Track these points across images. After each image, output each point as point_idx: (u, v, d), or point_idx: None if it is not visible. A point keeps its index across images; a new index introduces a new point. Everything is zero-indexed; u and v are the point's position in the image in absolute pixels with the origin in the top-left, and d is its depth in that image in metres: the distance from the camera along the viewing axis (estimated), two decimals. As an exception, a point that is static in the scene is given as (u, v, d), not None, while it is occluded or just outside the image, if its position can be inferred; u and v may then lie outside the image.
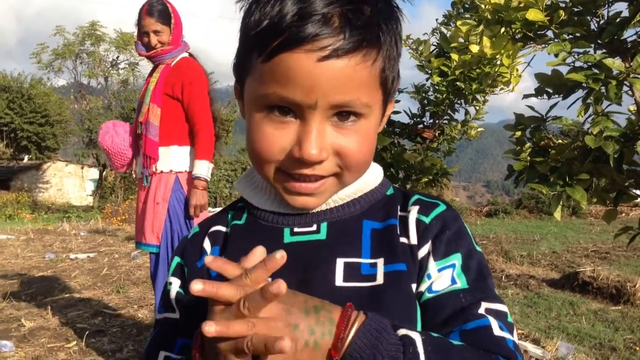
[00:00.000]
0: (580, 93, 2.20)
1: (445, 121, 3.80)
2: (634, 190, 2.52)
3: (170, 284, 0.86)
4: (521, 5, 2.14)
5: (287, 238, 0.80)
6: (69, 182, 35.71)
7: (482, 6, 2.39)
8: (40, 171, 34.24)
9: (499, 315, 0.73)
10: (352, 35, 0.67)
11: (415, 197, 0.83)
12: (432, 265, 0.76)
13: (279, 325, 0.60)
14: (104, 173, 28.62)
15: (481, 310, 0.72)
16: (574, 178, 2.25)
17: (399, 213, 0.81)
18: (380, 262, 0.76)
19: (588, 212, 15.97)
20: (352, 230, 0.80)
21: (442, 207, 0.81)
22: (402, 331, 0.64)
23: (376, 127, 0.78)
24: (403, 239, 0.78)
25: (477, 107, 3.73)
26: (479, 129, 3.96)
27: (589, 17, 2.20)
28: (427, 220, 0.79)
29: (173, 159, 3.23)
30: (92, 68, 29.13)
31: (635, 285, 6.00)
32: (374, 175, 0.85)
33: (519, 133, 2.53)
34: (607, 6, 2.16)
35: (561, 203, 2.30)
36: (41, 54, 29.23)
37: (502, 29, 2.26)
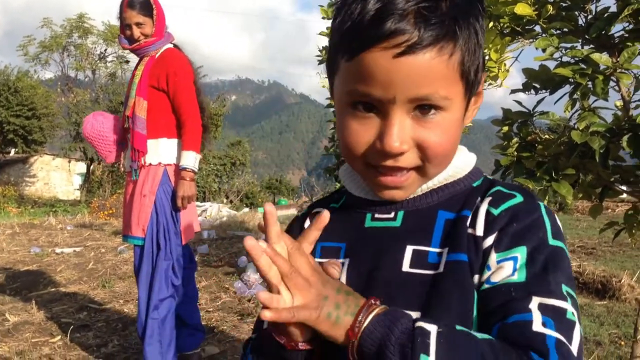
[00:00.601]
0: (567, 88, 2.20)
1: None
2: (620, 186, 2.53)
3: None
4: (509, -1, 2.14)
5: (368, 223, 0.87)
6: (56, 176, 35.44)
7: (471, 0, 2.38)
8: (27, 165, 33.96)
9: (553, 312, 0.69)
10: (427, 31, 0.69)
11: (496, 188, 0.83)
12: (492, 257, 0.76)
13: (313, 292, 0.71)
14: (92, 167, 28.43)
15: (532, 305, 0.69)
16: (560, 173, 2.25)
17: (476, 204, 0.82)
18: (445, 251, 0.79)
19: (575, 207, 16.06)
20: (426, 219, 0.83)
21: (517, 199, 0.80)
22: (420, 323, 0.66)
23: (459, 119, 0.79)
24: (470, 230, 0.79)
25: (466, 102, 3.73)
26: (469, 124, 3.96)
27: (577, 12, 2.19)
28: (496, 212, 0.79)
29: (162, 151, 3.20)
30: (80, 61, 28.89)
31: (620, 281, 6.05)
32: (462, 167, 0.87)
33: (506, 128, 2.53)
34: (595, 1, 2.16)
35: (547, 198, 2.30)
36: (28, 47, 28.95)
37: (491, 23, 2.26)
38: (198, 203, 15.74)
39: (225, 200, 22.99)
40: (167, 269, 3.13)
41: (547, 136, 2.48)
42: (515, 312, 0.70)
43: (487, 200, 0.81)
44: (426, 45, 0.69)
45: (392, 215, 0.85)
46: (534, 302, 0.70)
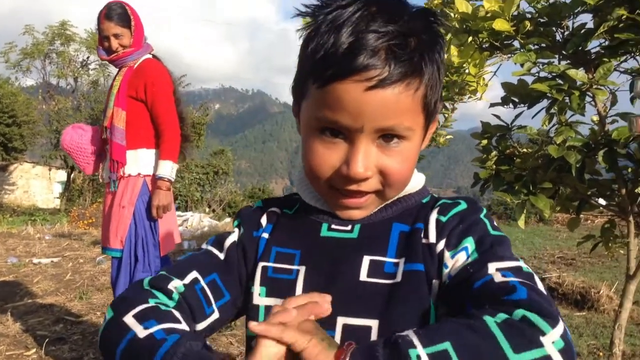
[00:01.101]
0: (545, 103, 2.22)
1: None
2: (597, 200, 2.55)
3: (233, 232, 0.96)
4: (488, 15, 2.15)
5: (324, 232, 0.90)
6: (35, 184, 34.99)
7: (452, 15, 2.40)
8: (6, 172, 33.48)
9: (510, 269, 0.74)
10: (397, 67, 0.74)
11: (441, 201, 0.90)
12: (447, 256, 0.81)
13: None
14: (72, 175, 28.10)
15: (490, 270, 0.75)
16: (537, 187, 2.27)
17: (427, 218, 0.88)
18: (401, 261, 0.83)
19: (555, 218, 16.21)
20: (381, 231, 0.87)
21: (462, 206, 0.87)
22: (395, 335, 0.67)
23: (418, 147, 0.85)
24: (424, 240, 0.84)
25: (446, 115, 3.75)
26: (448, 137, 3.98)
27: (554, 28, 2.22)
28: (444, 218, 0.85)
29: (141, 162, 3.18)
30: (62, 68, 28.61)
31: (599, 292, 6.09)
32: (413, 184, 0.92)
33: (485, 141, 2.55)
34: (572, 17, 2.19)
35: (525, 211, 2.32)
36: (9, 53, 28.59)
37: (469, 38, 2.28)
38: (179, 213, 15.62)
39: (207, 210, 22.86)
40: None
41: (525, 150, 2.49)
42: (476, 280, 0.74)
43: (435, 210, 0.87)
44: (395, 81, 0.74)
45: (349, 227, 0.89)
46: (492, 267, 0.75)
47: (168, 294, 0.83)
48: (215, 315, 0.87)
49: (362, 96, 0.74)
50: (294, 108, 0.91)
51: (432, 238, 0.84)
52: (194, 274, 0.87)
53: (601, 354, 4.44)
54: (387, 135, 0.79)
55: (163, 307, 0.79)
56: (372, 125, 0.77)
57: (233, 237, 0.94)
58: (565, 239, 12.46)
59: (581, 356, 4.37)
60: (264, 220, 0.96)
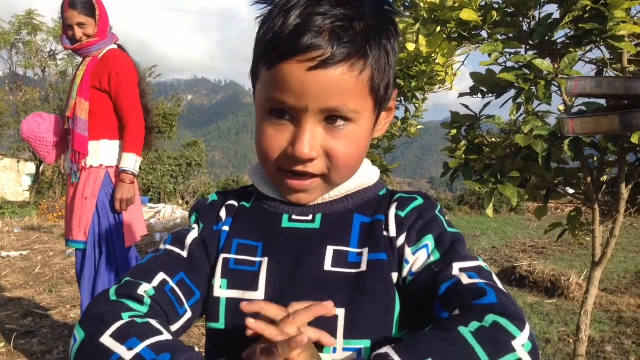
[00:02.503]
0: (512, 93, 2.24)
1: (386, 118, 3.81)
2: (564, 188, 2.59)
3: (193, 228, 0.94)
4: (456, 5, 2.16)
5: (285, 223, 0.90)
6: (4, 176, 34.33)
7: (420, 4, 2.40)
8: (-28, 165, 32.80)
9: (473, 269, 0.79)
10: (340, 48, 0.75)
11: (398, 195, 0.93)
12: (408, 251, 0.84)
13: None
14: (42, 167, 27.61)
15: (454, 271, 0.79)
16: (505, 176, 2.29)
17: (385, 211, 0.90)
18: (365, 251, 0.85)
19: (526, 208, 16.46)
20: (343, 222, 0.89)
21: (418, 201, 0.91)
22: (374, 353, 0.69)
23: (367, 132, 0.86)
24: (385, 233, 0.87)
25: (417, 105, 3.77)
26: (419, 127, 4.00)
27: (521, 18, 2.24)
28: (403, 213, 0.88)
29: (103, 153, 3.14)
30: (29, 58, 28.01)
31: (569, 279, 6.21)
32: (370, 177, 0.95)
33: (454, 131, 2.56)
34: (538, 8, 2.20)
35: (494, 200, 2.34)
36: (-26, 43, 27.92)
37: (438, 28, 2.28)
38: (152, 204, 15.46)
39: (181, 202, 22.67)
40: (109, 273, 3.06)
41: (493, 139, 2.52)
42: (443, 281, 0.78)
43: (394, 205, 0.90)
44: (338, 61, 0.76)
45: (310, 217, 0.90)
46: (456, 268, 0.79)
47: (139, 300, 0.81)
48: (188, 314, 0.87)
49: (305, 76, 0.76)
50: (254, 93, 0.91)
51: (393, 232, 0.87)
52: (161, 276, 0.86)
53: (571, 340, 4.52)
54: (332, 117, 0.81)
55: (139, 320, 0.75)
56: (317, 106, 0.78)
57: (194, 234, 0.93)
58: (536, 228, 12.66)
59: (552, 343, 4.46)
60: (223, 213, 0.95)
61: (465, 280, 0.76)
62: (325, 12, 0.76)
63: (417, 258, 0.83)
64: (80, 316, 4.57)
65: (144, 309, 0.80)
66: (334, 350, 0.78)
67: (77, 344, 0.73)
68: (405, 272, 0.83)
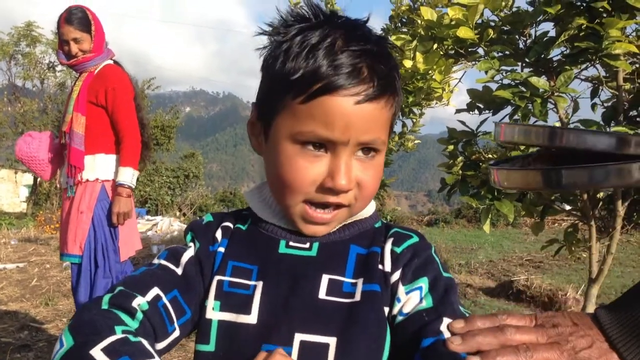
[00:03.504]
0: (509, 109, 2.25)
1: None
2: (561, 205, 2.60)
3: (189, 247, 0.93)
4: (453, 22, 2.18)
5: (282, 249, 0.90)
6: (1, 187, 34.21)
7: (418, 21, 2.43)
8: (-30, 176, 32.71)
9: None
10: (379, 84, 0.79)
11: (393, 230, 0.94)
12: (401, 289, 0.85)
13: None
14: (39, 179, 27.58)
15: (442, 327, 0.78)
16: (502, 192, 2.30)
17: (381, 244, 0.91)
18: (360, 282, 0.85)
19: (523, 222, 16.46)
20: (340, 252, 0.90)
21: (414, 239, 0.92)
22: None
23: (383, 162, 0.90)
24: (380, 267, 0.88)
25: (414, 120, 3.78)
26: (416, 141, 4.02)
27: (517, 36, 2.26)
28: (398, 250, 0.89)
29: (99, 167, 3.15)
30: (28, 70, 28.06)
31: (566, 294, 6.20)
32: (368, 209, 0.95)
33: (451, 147, 2.58)
34: (534, 26, 2.23)
35: (490, 216, 2.35)
36: (-27, 54, 27.96)
37: (435, 45, 2.30)
38: (149, 217, 15.43)
39: (178, 213, 22.63)
40: (105, 287, 3.06)
41: (490, 155, 2.53)
42: (429, 335, 0.78)
43: (390, 240, 0.91)
44: (379, 96, 0.79)
45: (307, 245, 0.90)
46: (444, 324, 0.79)
47: (131, 313, 0.79)
48: (176, 333, 0.85)
49: (351, 109, 0.78)
50: (254, 125, 0.92)
51: (388, 267, 0.88)
52: (155, 290, 0.84)
53: (566, 355, 4.51)
54: (365, 149, 0.83)
55: (132, 339, 0.73)
56: (357, 139, 0.80)
57: (190, 252, 0.92)
58: (533, 242, 12.64)
59: (548, 357, 4.45)
60: (219, 234, 0.95)
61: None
62: (355, 48, 0.79)
63: (409, 299, 0.84)
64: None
65: (135, 325, 0.78)
66: None
67: (63, 350, 0.71)
68: (395, 310, 0.84)
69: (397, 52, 2.43)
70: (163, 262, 0.91)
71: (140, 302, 0.81)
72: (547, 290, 6.42)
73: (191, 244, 0.94)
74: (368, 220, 0.96)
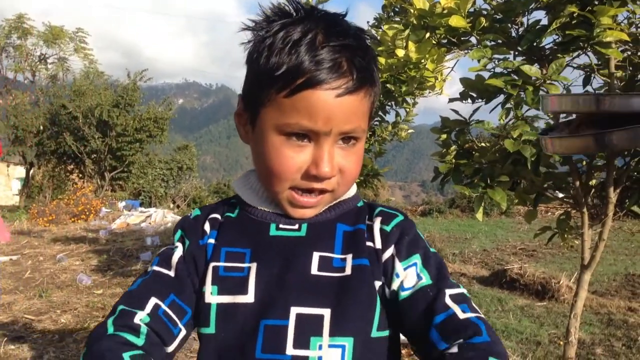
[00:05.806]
0: (502, 98, 2.26)
1: (376, 122, 3.83)
2: (554, 192, 2.61)
3: (177, 247, 0.98)
4: (445, 11, 2.18)
5: (273, 232, 0.95)
6: (-7, 181, 34.07)
7: (411, 10, 2.42)
8: (-39, 169, 32.52)
9: (461, 298, 0.88)
10: (358, 77, 0.85)
11: (379, 209, 1.00)
12: (399, 265, 0.91)
13: None
14: (32, 171, 27.45)
15: (447, 299, 0.86)
16: (495, 180, 2.31)
17: (366, 222, 0.97)
18: (349, 257, 0.92)
19: (517, 211, 16.52)
20: (327, 230, 0.96)
21: (400, 218, 0.98)
22: None
23: (363, 148, 0.97)
24: (369, 243, 0.94)
25: (407, 109, 3.78)
26: (410, 131, 4.02)
27: (509, 25, 2.26)
28: (387, 228, 0.95)
29: None
30: (19, 62, 27.85)
31: (559, 282, 6.25)
32: (350, 190, 1.01)
33: (444, 136, 2.58)
34: (526, 14, 2.23)
35: (484, 204, 2.36)
36: (-37, 47, 27.70)
37: (427, 34, 2.30)
38: (142, 208, 15.38)
39: (172, 205, 22.58)
40: None
41: (483, 144, 2.54)
42: (439, 311, 0.85)
43: (379, 219, 0.97)
44: (358, 88, 0.85)
45: (296, 226, 0.96)
46: (447, 295, 0.87)
47: (136, 330, 0.85)
48: (183, 333, 0.91)
49: (333, 102, 0.84)
50: (241, 116, 0.97)
51: (378, 244, 0.94)
52: (153, 300, 0.89)
53: (561, 342, 4.54)
54: (346, 138, 0.89)
55: None
56: (339, 129, 0.86)
57: (179, 252, 0.97)
58: (526, 231, 12.71)
59: (542, 345, 4.49)
60: (207, 227, 0.99)
61: (461, 314, 0.85)
62: (335, 43, 0.84)
63: (408, 274, 0.91)
64: (70, 321, 4.54)
65: (141, 341, 0.84)
66: (320, 347, 0.84)
67: None
68: (395, 285, 0.90)
69: (376, 43, 2.43)
70: (156, 268, 0.96)
71: (141, 316, 0.87)
72: (540, 278, 6.47)
73: (178, 244, 0.99)
74: (351, 200, 1.01)
